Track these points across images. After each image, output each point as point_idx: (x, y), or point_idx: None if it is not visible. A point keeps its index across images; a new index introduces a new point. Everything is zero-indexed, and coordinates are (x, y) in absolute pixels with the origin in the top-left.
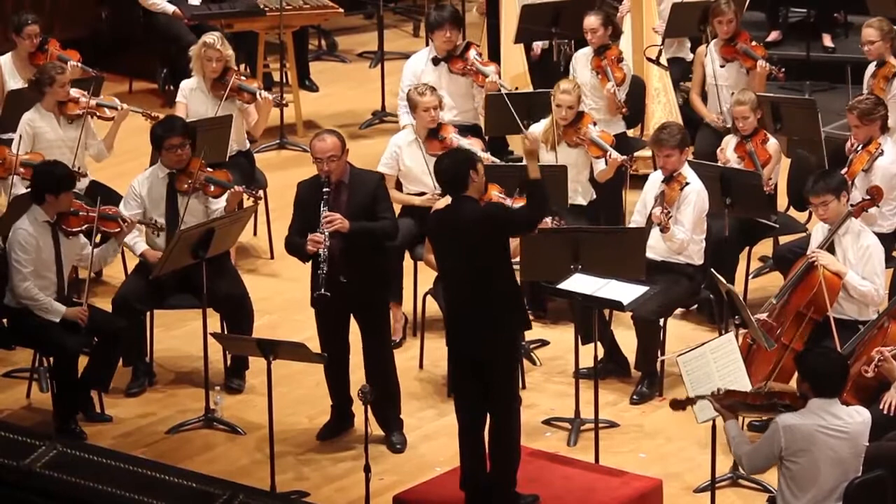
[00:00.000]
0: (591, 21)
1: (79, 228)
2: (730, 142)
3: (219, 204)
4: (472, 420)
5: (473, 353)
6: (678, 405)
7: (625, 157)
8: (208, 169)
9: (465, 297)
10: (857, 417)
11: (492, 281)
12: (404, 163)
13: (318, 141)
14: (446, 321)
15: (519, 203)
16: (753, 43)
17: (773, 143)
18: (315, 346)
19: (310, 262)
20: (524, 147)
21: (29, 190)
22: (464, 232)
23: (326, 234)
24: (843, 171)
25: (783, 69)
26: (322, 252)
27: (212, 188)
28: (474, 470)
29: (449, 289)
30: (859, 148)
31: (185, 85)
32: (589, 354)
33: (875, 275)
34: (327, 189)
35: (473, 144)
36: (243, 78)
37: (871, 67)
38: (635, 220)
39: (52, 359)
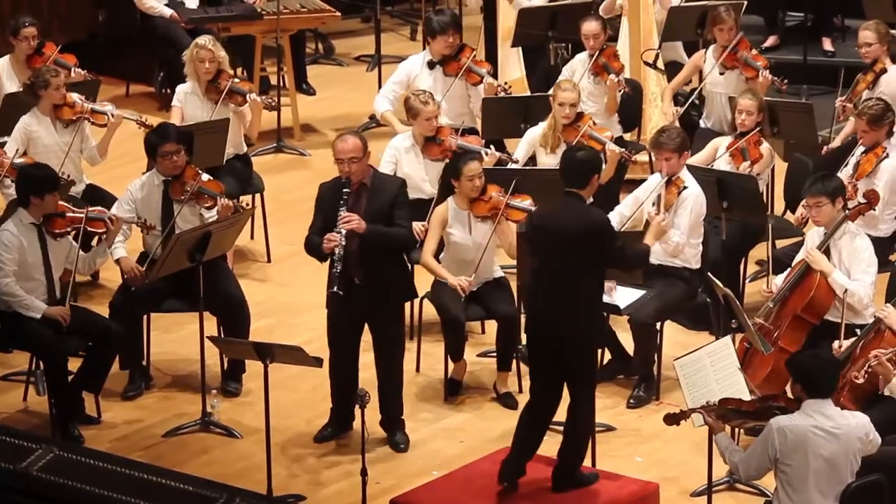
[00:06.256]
0: (592, 27)
1: (65, 230)
2: (723, 142)
3: (212, 213)
4: (542, 409)
5: (553, 344)
6: (672, 420)
7: (622, 149)
8: (204, 178)
9: (554, 292)
10: (851, 420)
11: (581, 283)
12: (402, 168)
13: (339, 142)
14: (528, 309)
15: (517, 200)
16: (754, 52)
17: (765, 147)
18: (312, 349)
19: (309, 267)
20: (657, 224)
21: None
22: (569, 231)
23: (343, 233)
24: (844, 173)
25: (786, 80)
26: (337, 251)
27: (205, 199)
28: (522, 455)
29: (539, 280)
30: (861, 153)
31: (181, 89)
32: None
33: (864, 274)
34: (347, 190)
35: (473, 143)
36: (236, 80)
37: None
38: (619, 210)
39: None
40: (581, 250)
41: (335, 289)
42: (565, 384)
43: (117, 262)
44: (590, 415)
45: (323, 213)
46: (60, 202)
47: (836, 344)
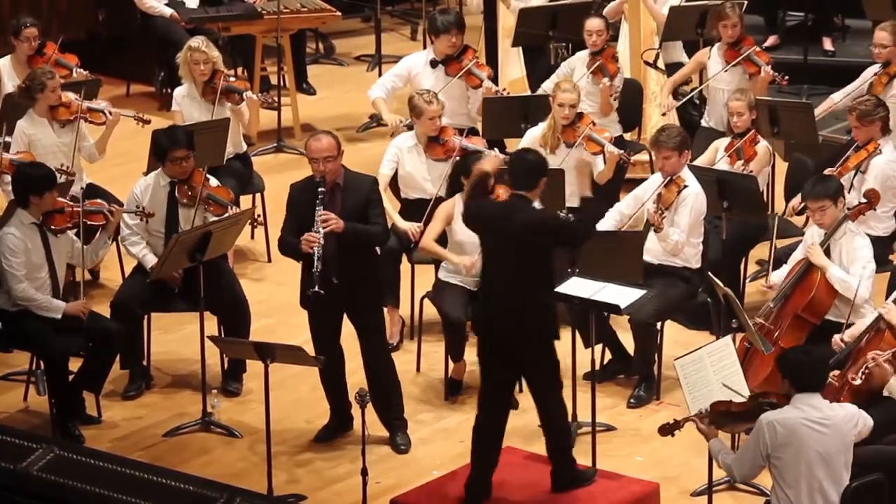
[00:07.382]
0: (596, 23)
1: (65, 225)
2: (722, 144)
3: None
4: (495, 418)
5: (508, 346)
6: (666, 431)
7: (621, 151)
8: (212, 184)
9: (503, 298)
10: (840, 411)
11: (531, 284)
12: (404, 167)
13: (313, 141)
14: (481, 312)
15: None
16: (758, 49)
17: (762, 145)
18: (312, 349)
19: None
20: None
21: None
22: (514, 231)
23: (322, 233)
24: (835, 169)
25: (786, 76)
26: (317, 251)
27: (216, 207)
28: (484, 472)
29: (489, 282)
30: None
31: (178, 93)
32: (587, 357)
33: (863, 270)
34: (322, 189)
35: (477, 144)
36: (231, 79)
37: (875, 67)
38: (619, 208)
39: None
40: (529, 247)
41: (316, 288)
42: (529, 389)
43: (151, 269)
44: (563, 412)
45: (296, 214)
46: (58, 199)
47: (836, 337)
